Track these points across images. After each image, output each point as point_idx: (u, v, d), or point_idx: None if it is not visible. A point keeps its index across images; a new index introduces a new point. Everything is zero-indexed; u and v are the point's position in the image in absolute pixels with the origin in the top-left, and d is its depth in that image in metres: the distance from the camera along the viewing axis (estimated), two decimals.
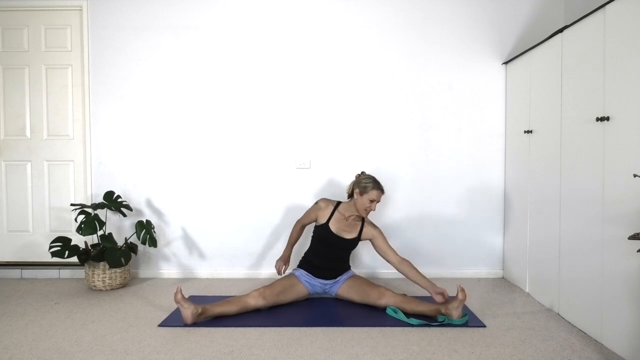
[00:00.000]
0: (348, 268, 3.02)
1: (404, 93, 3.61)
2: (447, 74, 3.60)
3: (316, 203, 3.01)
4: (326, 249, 2.91)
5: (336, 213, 2.93)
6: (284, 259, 3.09)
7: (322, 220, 2.93)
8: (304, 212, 3.14)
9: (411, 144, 3.61)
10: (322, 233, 2.91)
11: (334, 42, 3.61)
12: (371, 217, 3.59)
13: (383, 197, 3.12)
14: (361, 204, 2.83)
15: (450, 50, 3.60)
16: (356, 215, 2.90)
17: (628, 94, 2.10)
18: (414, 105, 3.61)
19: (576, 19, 2.57)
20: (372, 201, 2.83)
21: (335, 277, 2.94)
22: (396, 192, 3.61)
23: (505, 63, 3.56)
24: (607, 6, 2.24)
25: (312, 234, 3.03)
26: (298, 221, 3.13)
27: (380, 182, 2.90)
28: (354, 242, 2.94)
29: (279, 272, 3.06)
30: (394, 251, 2.91)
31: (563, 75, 2.66)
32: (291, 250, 3.13)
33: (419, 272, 2.82)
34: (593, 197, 2.35)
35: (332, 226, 2.90)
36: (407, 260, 2.87)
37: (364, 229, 2.94)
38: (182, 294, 2.56)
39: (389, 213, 3.62)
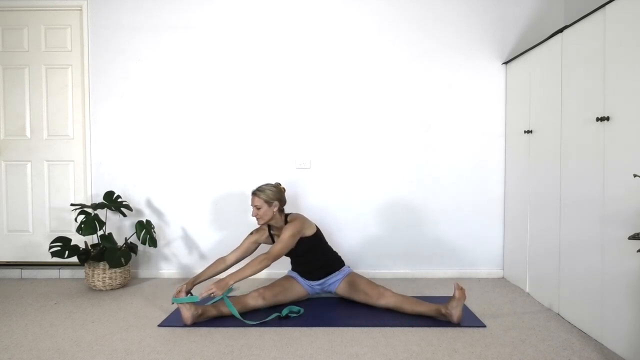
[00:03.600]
0: (339, 263, 2.95)
1: (404, 92, 3.61)
2: (447, 74, 3.60)
3: (250, 233, 2.95)
4: (293, 260, 2.93)
5: (273, 234, 2.93)
6: (187, 284, 2.70)
7: (269, 243, 2.95)
8: (298, 216, 2.87)
9: (411, 143, 3.61)
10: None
11: (334, 41, 3.61)
12: (376, 211, 3.59)
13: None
14: None
15: (450, 49, 3.60)
16: (275, 228, 2.89)
17: (628, 94, 2.10)
18: (413, 105, 3.61)
19: (576, 19, 2.57)
20: (252, 207, 2.82)
21: (327, 275, 2.90)
22: (396, 192, 3.61)
23: (506, 63, 3.56)
24: (607, 6, 2.24)
25: None
26: (223, 258, 2.90)
27: (261, 185, 2.84)
28: (297, 243, 2.81)
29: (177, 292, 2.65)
30: (279, 246, 2.68)
31: (563, 75, 2.66)
32: (196, 280, 2.78)
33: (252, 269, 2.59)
34: (593, 197, 2.35)
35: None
36: (269, 257, 2.62)
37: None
38: (186, 293, 2.56)
39: (388, 213, 3.62)
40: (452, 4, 3.59)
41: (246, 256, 2.95)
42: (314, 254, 2.87)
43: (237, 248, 2.92)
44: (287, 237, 2.71)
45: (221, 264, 2.86)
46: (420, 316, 2.63)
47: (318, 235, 2.89)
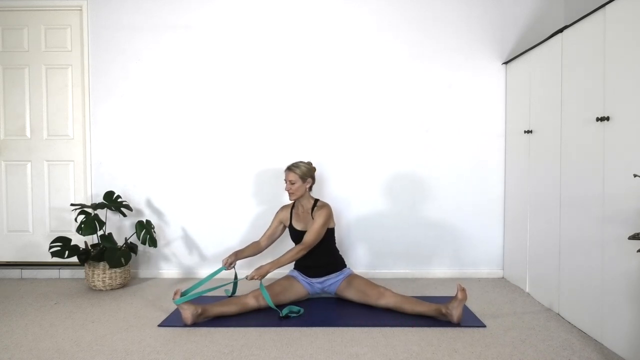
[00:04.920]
0: (342, 264, 3.00)
1: (404, 92, 3.61)
2: (447, 74, 3.60)
3: (277, 213, 3.12)
4: None
5: (294, 212, 3.03)
6: (230, 257, 2.95)
7: (287, 222, 3.05)
8: (326, 204, 2.98)
9: (411, 144, 3.61)
10: (292, 233, 3.02)
11: (334, 40, 3.61)
12: (370, 210, 3.60)
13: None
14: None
15: (450, 49, 3.60)
16: (300, 205, 2.99)
17: (628, 94, 2.10)
18: (413, 105, 3.61)
19: (576, 19, 2.57)
20: (285, 182, 2.93)
21: (328, 274, 2.93)
22: (396, 192, 3.61)
23: (506, 63, 3.56)
24: (607, 6, 2.24)
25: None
26: (257, 242, 3.11)
27: (296, 162, 2.98)
28: None
29: (224, 264, 2.93)
30: (313, 235, 2.82)
31: (563, 75, 2.66)
32: (238, 257, 2.99)
33: (294, 255, 2.79)
34: (593, 197, 2.35)
35: (295, 224, 3.00)
36: (304, 247, 2.79)
37: (313, 214, 2.92)
38: (181, 295, 2.56)
39: (389, 213, 3.61)
40: (452, 4, 3.59)
41: (275, 238, 3.14)
42: (324, 248, 2.93)
43: (266, 230, 3.11)
44: (319, 225, 2.84)
45: (256, 247, 3.07)
46: (420, 316, 2.63)
47: (333, 230, 2.99)
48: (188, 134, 3.64)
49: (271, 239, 3.10)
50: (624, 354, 2.13)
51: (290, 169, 2.92)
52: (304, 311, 2.76)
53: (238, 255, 2.98)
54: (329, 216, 2.90)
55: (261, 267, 2.73)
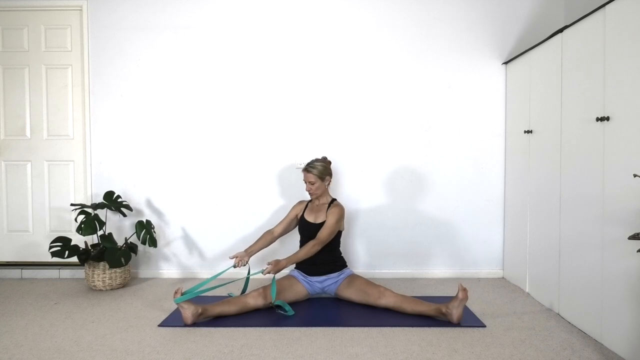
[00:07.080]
0: (342, 264, 3.02)
1: (404, 93, 3.61)
2: (447, 74, 3.60)
3: (294, 206, 3.18)
4: (308, 240, 2.94)
5: (309, 205, 3.10)
6: (243, 255, 2.91)
7: (300, 214, 3.11)
8: (340, 204, 3.04)
9: (411, 144, 3.61)
10: (301, 224, 3.06)
11: (334, 40, 3.61)
12: (369, 206, 3.60)
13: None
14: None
15: (450, 49, 3.60)
16: (317, 200, 3.06)
17: (628, 94, 2.10)
18: (413, 105, 3.61)
19: (576, 19, 2.57)
20: (305, 183, 3.01)
21: (329, 274, 2.94)
22: (396, 192, 3.61)
23: (506, 63, 3.56)
24: (607, 6, 2.25)
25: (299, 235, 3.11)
26: (270, 230, 3.12)
27: (312, 161, 3.02)
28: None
29: (235, 264, 2.88)
30: (326, 231, 2.87)
31: (563, 75, 2.66)
32: (251, 253, 2.96)
33: (307, 252, 2.84)
34: (593, 197, 2.35)
35: (307, 216, 3.05)
36: (318, 243, 2.85)
37: (328, 210, 2.99)
38: (181, 294, 2.56)
39: (388, 213, 3.62)
40: (453, 4, 3.59)
41: (290, 230, 3.16)
42: (329, 247, 2.95)
43: (282, 220, 3.15)
44: (332, 222, 2.90)
45: (269, 236, 3.08)
46: (420, 316, 2.63)
47: (340, 233, 3.05)
48: (188, 134, 3.64)
49: (286, 229, 3.14)
50: (624, 354, 2.13)
51: (308, 170, 2.98)
52: (302, 311, 2.76)
53: (250, 252, 2.95)
54: (342, 215, 2.98)
55: (278, 262, 2.73)
